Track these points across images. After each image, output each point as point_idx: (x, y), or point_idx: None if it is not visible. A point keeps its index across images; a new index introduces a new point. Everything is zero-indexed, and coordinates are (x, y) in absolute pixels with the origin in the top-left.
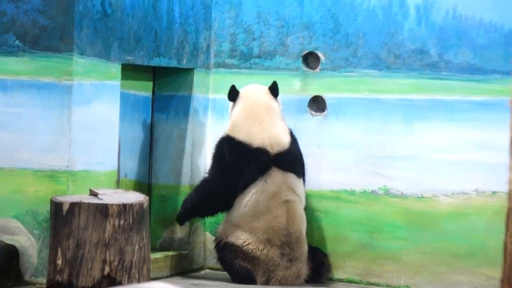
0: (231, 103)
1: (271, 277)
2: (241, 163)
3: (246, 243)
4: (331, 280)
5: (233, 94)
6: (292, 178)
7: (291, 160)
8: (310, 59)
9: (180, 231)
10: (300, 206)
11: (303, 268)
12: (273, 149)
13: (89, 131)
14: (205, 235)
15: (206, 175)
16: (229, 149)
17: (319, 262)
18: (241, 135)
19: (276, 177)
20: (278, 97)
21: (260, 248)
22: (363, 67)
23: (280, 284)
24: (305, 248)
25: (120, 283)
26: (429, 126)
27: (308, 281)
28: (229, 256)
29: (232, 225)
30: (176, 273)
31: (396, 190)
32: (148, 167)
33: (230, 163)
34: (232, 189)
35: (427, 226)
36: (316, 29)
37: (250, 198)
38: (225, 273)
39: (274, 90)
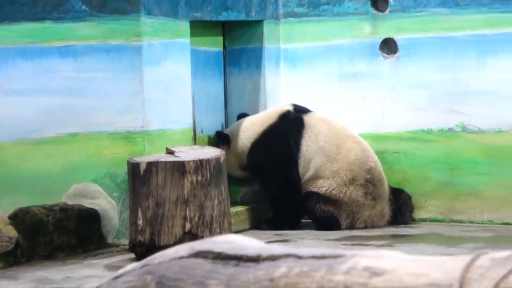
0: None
1: (356, 218)
2: (283, 139)
3: (329, 189)
4: (414, 220)
5: (224, 138)
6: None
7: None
8: (379, 2)
9: None
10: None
11: (386, 208)
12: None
13: (162, 90)
14: None
15: (274, 188)
16: (267, 144)
17: (402, 203)
18: (256, 130)
19: (313, 118)
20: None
21: (343, 191)
22: (432, 5)
23: (366, 224)
24: (386, 185)
25: (202, 239)
26: (503, 60)
27: (391, 222)
28: (311, 203)
29: (311, 179)
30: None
31: (473, 126)
32: (224, 121)
33: (279, 150)
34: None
35: (506, 160)
36: None
37: (310, 149)
38: (309, 221)
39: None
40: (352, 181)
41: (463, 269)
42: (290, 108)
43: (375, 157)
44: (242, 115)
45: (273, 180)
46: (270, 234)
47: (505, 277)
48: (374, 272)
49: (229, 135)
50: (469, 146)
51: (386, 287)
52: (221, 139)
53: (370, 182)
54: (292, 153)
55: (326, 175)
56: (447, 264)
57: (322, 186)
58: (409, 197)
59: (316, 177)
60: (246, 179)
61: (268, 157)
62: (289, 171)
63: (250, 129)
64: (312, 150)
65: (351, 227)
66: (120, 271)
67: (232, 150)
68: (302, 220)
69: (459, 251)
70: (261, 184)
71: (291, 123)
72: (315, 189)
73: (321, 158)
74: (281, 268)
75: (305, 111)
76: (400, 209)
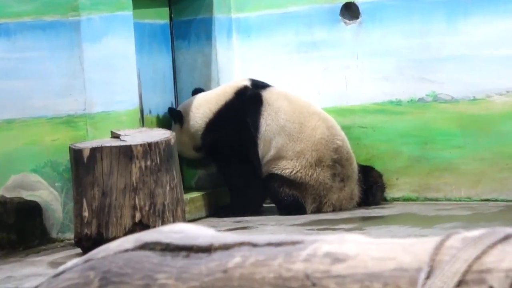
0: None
1: (324, 202)
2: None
3: (294, 171)
4: (386, 200)
5: (176, 115)
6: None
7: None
8: None
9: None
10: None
11: (356, 189)
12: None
13: (104, 68)
14: None
15: (232, 171)
16: (222, 124)
17: (373, 182)
18: (211, 108)
19: (273, 94)
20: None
21: (309, 174)
22: None
23: (334, 208)
24: (355, 165)
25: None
26: (474, 22)
27: (361, 204)
28: (275, 185)
29: (272, 160)
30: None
31: (446, 94)
32: (174, 99)
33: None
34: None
35: (483, 130)
36: None
37: (270, 128)
38: (271, 206)
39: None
40: (318, 162)
41: (432, 251)
42: (248, 83)
43: (343, 135)
44: (197, 91)
45: (230, 162)
46: (229, 221)
47: (478, 258)
48: (336, 258)
49: (182, 112)
50: (442, 116)
51: (349, 273)
52: (173, 116)
53: (337, 163)
54: (250, 133)
55: (289, 155)
56: (415, 246)
57: (286, 168)
58: (380, 175)
59: (278, 157)
60: (201, 161)
61: (224, 137)
62: (247, 153)
63: (204, 107)
64: (272, 129)
65: (318, 211)
66: (61, 267)
67: (185, 129)
68: (264, 205)
69: (434, 232)
70: (217, 167)
71: (249, 100)
72: (278, 171)
73: (283, 138)
74: (235, 258)
75: (264, 86)
76: (371, 189)
